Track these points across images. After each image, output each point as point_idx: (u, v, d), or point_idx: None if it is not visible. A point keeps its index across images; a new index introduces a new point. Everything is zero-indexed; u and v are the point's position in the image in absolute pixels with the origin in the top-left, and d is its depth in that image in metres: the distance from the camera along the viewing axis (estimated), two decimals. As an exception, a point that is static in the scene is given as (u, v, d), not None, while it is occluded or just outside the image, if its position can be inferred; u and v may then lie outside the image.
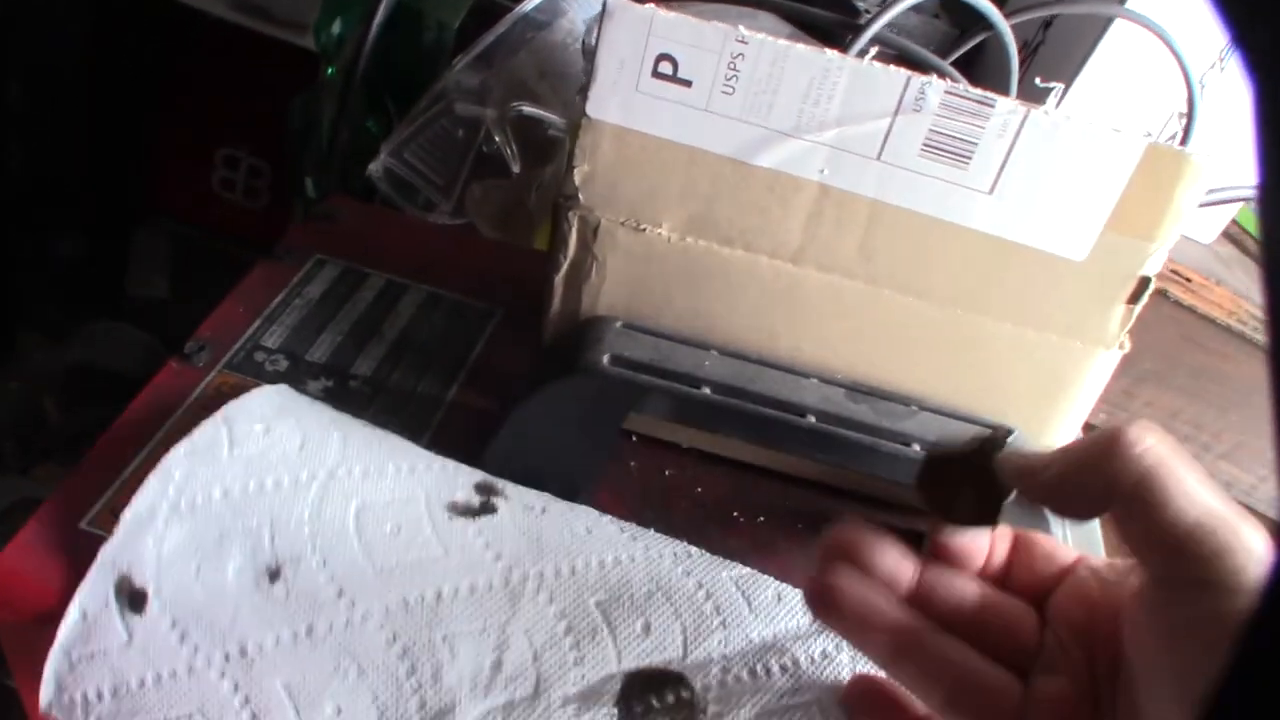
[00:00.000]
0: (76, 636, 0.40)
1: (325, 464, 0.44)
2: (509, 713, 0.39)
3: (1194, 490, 0.31)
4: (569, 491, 0.47)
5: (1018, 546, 0.37)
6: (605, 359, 0.44)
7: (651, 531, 0.46)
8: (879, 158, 0.43)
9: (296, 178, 0.72)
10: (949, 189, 0.44)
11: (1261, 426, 0.80)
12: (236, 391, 0.50)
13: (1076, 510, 0.33)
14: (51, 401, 0.80)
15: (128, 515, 0.41)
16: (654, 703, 0.40)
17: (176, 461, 0.43)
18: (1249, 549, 0.29)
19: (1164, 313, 0.74)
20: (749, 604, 0.44)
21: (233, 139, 1.00)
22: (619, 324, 0.47)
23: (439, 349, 0.55)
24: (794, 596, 0.45)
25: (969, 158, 0.43)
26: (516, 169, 0.68)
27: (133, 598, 0.40)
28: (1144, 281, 0.45)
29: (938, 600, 0.36)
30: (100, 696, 0.40)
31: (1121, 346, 0.47)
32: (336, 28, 0.71)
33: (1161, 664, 0.31)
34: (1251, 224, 0.86)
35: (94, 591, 0.40)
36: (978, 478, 0.36)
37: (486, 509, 0.44)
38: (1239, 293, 0.76)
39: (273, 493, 0.43)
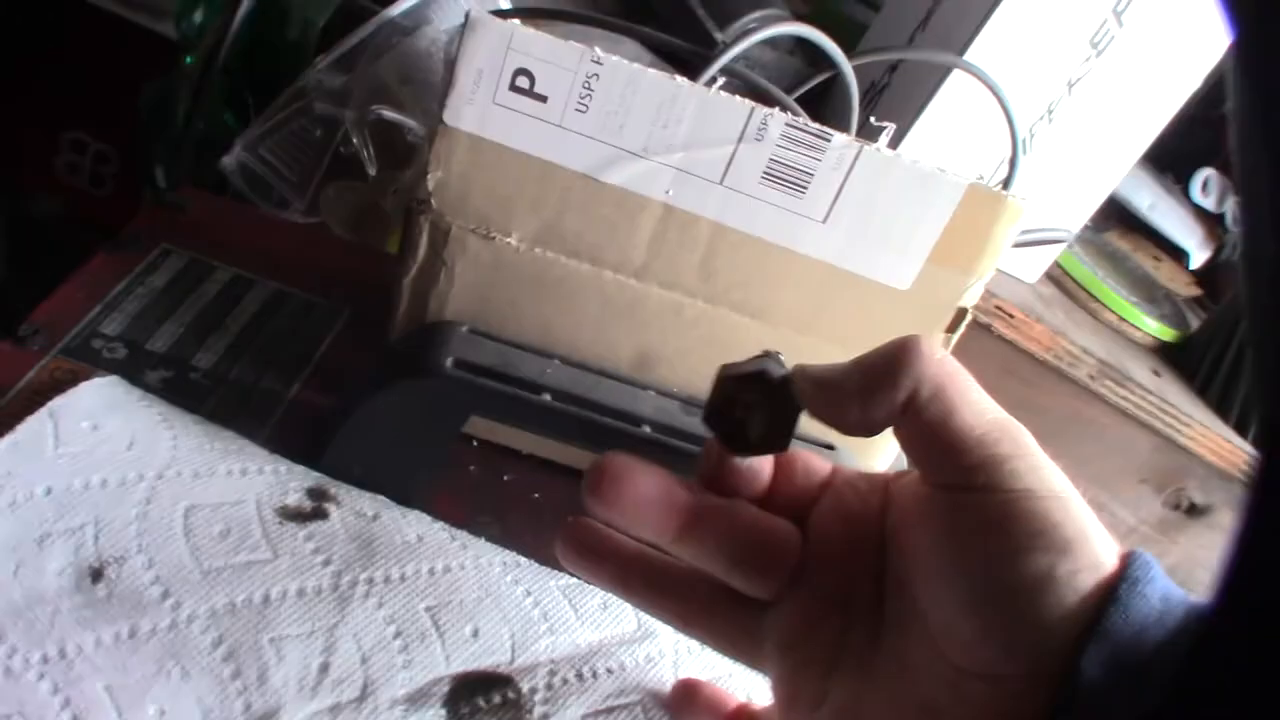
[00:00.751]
0: None
1: (155, 464, 0.44)
2: (336, 714, 0.39)
3: (980, 400, 0.33)
4: (406, 494, 0.47)
5: (779, 464, 0.38)
6: (449, 362, 0.45)
7: (482, 540, 0.47)
8: (721, 182, 0.45)
9: (146, 165, 0.71)
10: (786, 216, 0.46)
11: (1073, 458, 0.86)
12: (71, 378, 0.49)
13: (870, 424, 0.33)
14: None
15: None
16: (481, 703, 0.41)
17: None
18: (1028, 455, 0.32)
19: (987, 346, 0.79)
20: (575, 611, 0.45)
21: (81, 123, 0.97)
22: (464, 329, 0.48)
23: (283, 346, 0.55)
24: (619, 605, 0.46)
25: (805, 187, 0.46)
26: (373, 172, 0.68)
27: None
28: (961, 312, 0.49)
29: (706, 526, 0.36)
30: None
31: (940, 373, 0.50)
32: (198, 15, 0.70)
33: (944, 566, 0.32)
34: (1073, 267, 0.92)
35: None
36: (769, 399, 0.35)
37: (318, 514, 0.44)
38: (1057, 330, 0.81)
39: (98, 491, 0.42)
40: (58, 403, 0.44)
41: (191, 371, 0.52)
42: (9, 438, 0.42)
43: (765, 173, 0.45)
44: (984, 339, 0.79)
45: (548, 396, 0.45)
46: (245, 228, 0.64)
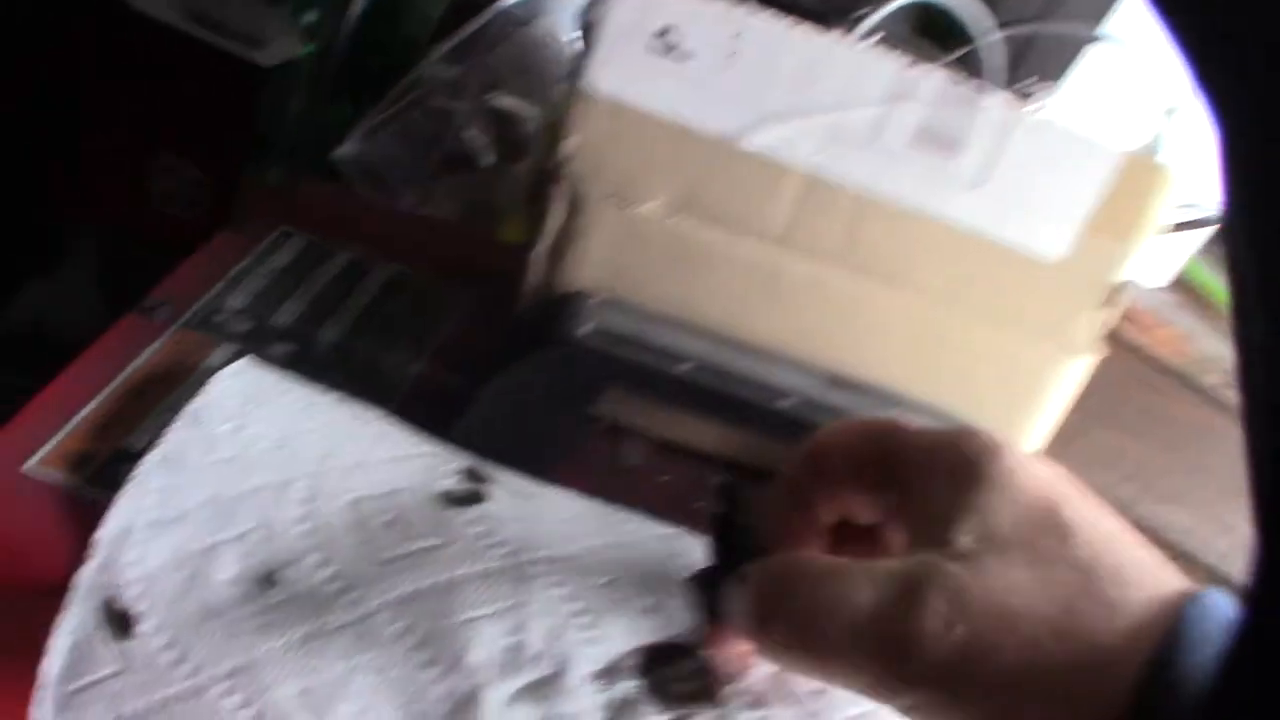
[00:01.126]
0: (66, 671, 0.37)
1: (310, 460, 0.42)
2: (536, 691, 0.38)
3: None
4: (536, 472, 0.46)
5: None
6: (586, 331, 0.44)
7: (634, 515, 0.45)
8: (869, 146, 0.44)
9: (262, 158, 0.71)
10: (935, 181, 0.44)
11: (1201, 470, 0.82)
12: (196, 348, 0.49)
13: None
14: (-11, 365, 0.77)
15: (103, 535, 0.38)
16: (676, 672, 0.39)
17: (149, 472, 0.40)
18: None
19: (1113, 350, 0.76)
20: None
21: (173, 148, 0.98)
22: (599, 298, 0.46)
23: (404, 326, 0.54)
24: None
25: (957, 152, 0.44)
26: (488, 162, 0.67)
27: (121, 621, 0.37)
28: (1120, 287, 0.46)
29: None
30: None
31: (1095, 354, 0.48)
32: (315, 7, 0.70)
33: None
34: (1197, 273, 0.89)
35: (79, 620, 0.37)
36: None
37: (476, 497, 0.43)
38: (1186, 335, 0.77)
39: (259, 495, 0.41)
40: (197, 405, 0.43)
41: (315, 346, 0.51)
42: (157, 451, 0.41)
43: (915, 136, 0.43)
44: (1110, 343, 0.76)
45: (687, 368, 0.44)
46: (360, 213, 0.64)
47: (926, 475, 0.33)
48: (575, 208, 0.46)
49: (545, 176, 0.46)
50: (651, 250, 0.46)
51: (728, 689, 0.39)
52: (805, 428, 0.44)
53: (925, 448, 0.34)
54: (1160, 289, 0.84)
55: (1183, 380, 0.78)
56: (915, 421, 0.35)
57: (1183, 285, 0.87)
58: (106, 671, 0.37)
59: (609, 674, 0.39)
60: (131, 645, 0.37)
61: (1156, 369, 0.77)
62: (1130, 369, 0.77)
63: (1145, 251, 0.46)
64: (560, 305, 0.46)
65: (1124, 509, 0.84)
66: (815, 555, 0.36)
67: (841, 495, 0.37)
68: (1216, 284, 0.86)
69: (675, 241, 0.46)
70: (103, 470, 0.42)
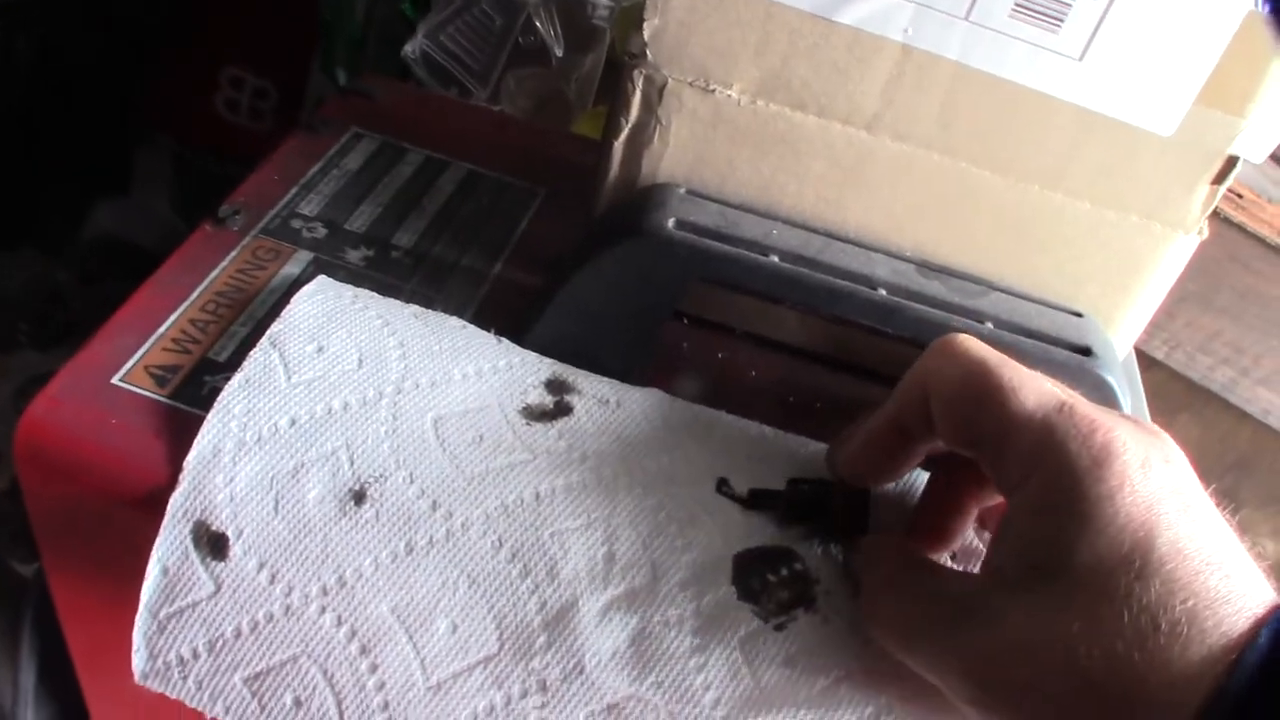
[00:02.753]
0: (160, 595, 0.38)
1: (390, 379, 0.42)
2: (631, 600, 0.38)
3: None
4: (621, 371, 0.45)
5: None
6: (670, 223, 0.42)
7: (724, 415, 0.44)
8: (967, 17, 0.41)
9: (329, 60, 0.70)
10: (1037, 54, 0.41)
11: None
12: (273, 256, 0.48)
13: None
14: (70, 277, 0.78)
15: (191, 459, 0.38)
16: (769, 577, 0.39)
17: (233, 396, 0.40)
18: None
19: (1211, 229, 0.72)
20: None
21: (239, 59, 0.97)
22: (683, 190, 0.45)
23: (481, 225, 0.53)
24: None
25: (1061, 20, 0.41)
26: (558, 54, 0.65)
27: (213, 543, 0.37)
28: (1231, 160, 0.44)
29: None
30: (196, 654, 0.38)
31: (1201, 232, 0.46)
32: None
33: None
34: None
35: (171, 544, 0.38)
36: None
37: (561, 409, 0.42)
38: (1289, 213, 0.74)
39: (342, 414, 0.40)
40: (276, 329, 0.42)
41: (393, 250, 0.50)
42: (239, 375, 0.41)
43: (1016, 4, 0.41)
44: (1208, 220, 0.72)
45: (775, 258, 0.42)
46: (432, 112, 0.62)
47: (1018, 479, 0.33)
48: (654, 96, 0.44)
49: (622, 65, 0.44)
50: (736, 138, 0.44)
51: (824, 592, 0.39)
52: (897, 316, 0.42)
53: (1026, 451, 0.32)
54: (1262, 164, 0.80)
55: (1285, 260, 0.75)
56: (1019, 382, 0.33)
57: (1285, 160, 0.82)
58: (201, 593, 0.38)
59: (700, 581, 0.38)
60: (225, 566, 0.37)
61: (1256, 248, 0.74)
62: (1228, 248, 0.74)
63: (1257, 123, 0.43)
64: (641, 199, 0.44)
65: (1223, 392, 0.82)
66: (907, 550, 0.37)
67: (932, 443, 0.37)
68: (1321, 157, 0.82)
69: (761, 127, 0.44)
70: (189, 381, 0.42)
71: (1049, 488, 0.31)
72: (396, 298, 0.47)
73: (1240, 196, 0.72)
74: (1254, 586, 0.30)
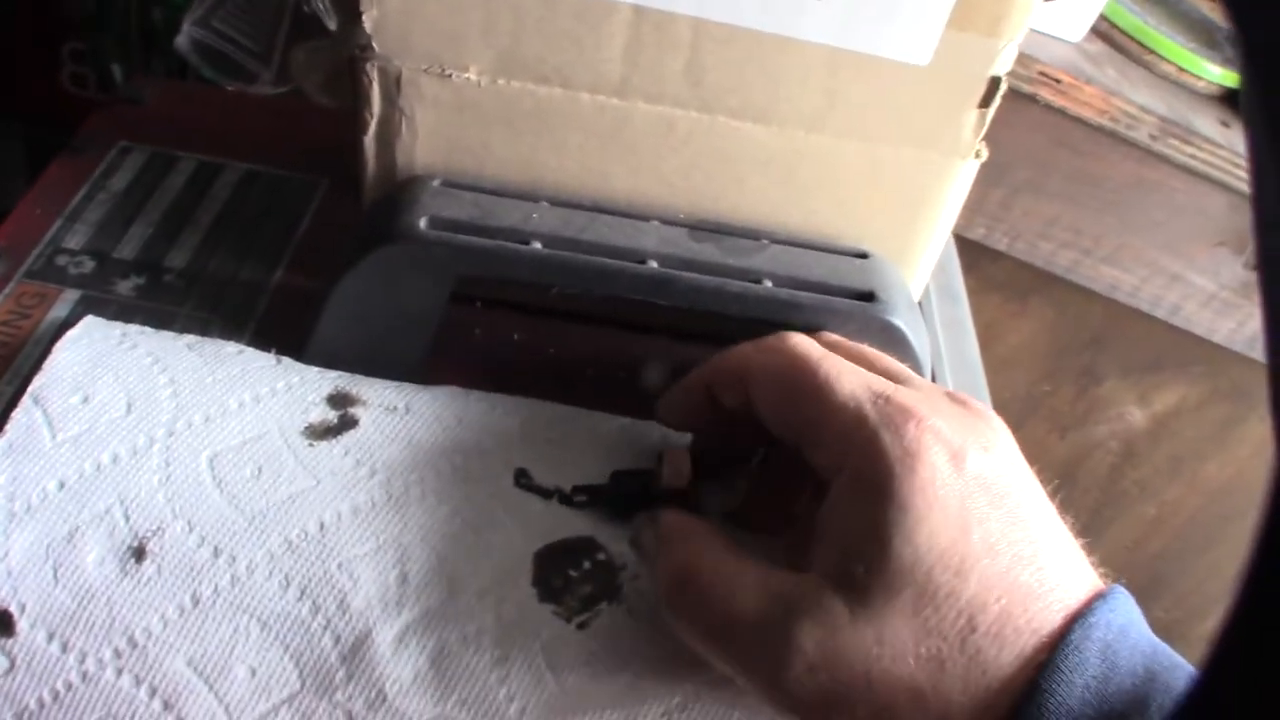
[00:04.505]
0: None
1: (161, 421, 0.40)
2: (428, 621, 0.37)
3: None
4: (410, 371, 0.44)
5: None
6: (422, 223, 0.41)
7: (523, 400, 0.43)
8: (695, -31, 0.39)
9: (100, 64, 0.66)
10: (774, -2, 0.40)
11: (1140, 226, 0.80)
12: (39, 301, 0.46)
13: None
14: None
15: None
16: (571, 573, 0.38)
17: None
18: None
19: (1034, 118, 0.72)
20: (632, 451, 0.42)
21: (77, 33, 0.92)
22: (436, 183, 0.43)
23: (260, 230, 0.51)
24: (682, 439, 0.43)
25: (793, -39, 0.39)
26: (333, 25, 0.62)
27: (0, 621, 0.36)
28: (994, 82, 0.43)
29: None
30: None
31: (978, 155, 0.45)
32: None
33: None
34: (1121, 18, 0.84)
35: None
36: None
37: (346, 423, 0.41)
38: (1110, 90, 0.73)
39: (112, 469, 0.38)
40: (38, 384, 0.40)
41: (165, 274, 0.48)
42: (2, 440, 0.38)
43: (744, -50, 0.39)
44: (1029, 110, 0.72)
45: (538, 244, 0.41)
46: (206, 110, 0.59)
47: (836, 469, 0.32)
48: (392, 88, 0.42)
49: (353, 59, 0.42)
50: (485, 120, 0.43)
51: (630, 578, 0.38)
52: (669, 288, 0.41)
53: (840, 438, 0.32)
54: (1077, 42, 0.79)
55: (1112, 137, 0.74)
56: (837, 375, 0.33)
57: (1103, 34, 0.82)
58: None
59: (501, 586, 0.38)
60: (15, 642, 0.36)
61: (1081, 130, 0.73)
62: (1054, 134, 0.74)
63: (1017, 42, 0.42)
64: (394, 198, 0.42)
65: (1068, 274, 0.83)
66: (715, 536, 0.35)
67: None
68: (1142, 26, 0.81)
69: (507, 107, 0.42)
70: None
71: (862, 478, 0.31)
72: (171, 325, 0.45)
73: (1059, 81, 0.72)
74: (1070, 577, 0.30)
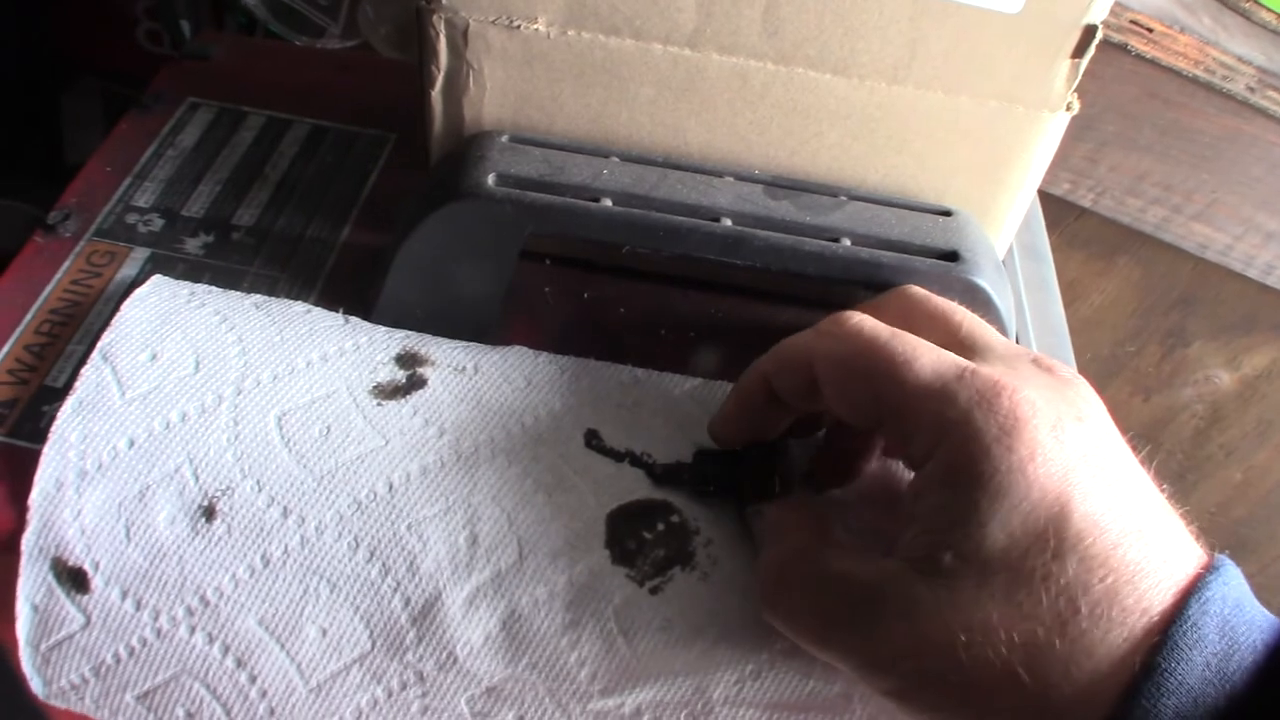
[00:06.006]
0: (36, 631, 0.37)
1: (229, 380, 0.39)
2: (499, 584, 0.37)
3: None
4: (479, 330, 0.43)
5: None
6: (490, 179, 0.40)
7: (592, 362, 0.42)
8: (774, -87, 0.38)
9: (170, 20, 0.66)
10: (857, -58, 0.38)
11: (1235, 182, 0.76)
12: (109, 260, 0.46)
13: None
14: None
15: (35, 496, 0.37)
16: (645, 535, 0.37)
17: (68, 423, 0.38)
18: None
19: (1125, 68, 0.69)
20: (708, 414, 0.41)
21: None
22: (504, 138, 0.42)
23: (328, 186, 0.51)
24: None
25: (877, -98, 0.37)
26: (405, -22, 0.61)
27: (74, 578, 0.37)
28: (1089, 31, 0.40)
29: None
30: (85, 680, 0.38)
31: (1069, 108, 0.43)
32: None
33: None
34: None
35: (33, 583, 0.37)
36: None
37: (414, 383, 0.40)
38: (1206, 40, 0.70)
39: (181, 427, 0.38)
40: (107, 340, 0.40)
41: (234, 231, 0.48)
42: (71, 398, 0.39)
43: (826, -109, 0.37)
44: (1120, 61, 0.69)
45: (608, 202, 0.40)
46: (274, 66, 0.59)
47: (923, 453, 0.31)
48: (459, 40, 0.41)
49: (419, 11, 0.40)
50: (554, 73, 0.41)
51: (703, 543, 0.37)
52: (744, 247, 0.40)
53: (929, 423, 0.30)
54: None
55: (1206, 89, 0.71)
56: (913, 355, 0.31)
57: (1199, -19, 0.78)
58: (74, 626, 0.37)
59: (573, 549, 0.37)
60: (90, 599, 0.37)
61: (1174, 81, 0.70)
62: (1145, 85, 0.71)
63: (1112, -20, 0.40)
64: (462, 153, 0.41)
65: (1156, 232, 0.80)
66: (813, 530, 0.35)
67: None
68: (1240, -29, 0.77)
69: (578, 59, 0.41)
70: (27, 415, 0.41)
71: (956, 462, 0.29)
72: (239, 283, 0.45)
73: (1151, 31, 0.68)
74: (1176, 551, 0.29)
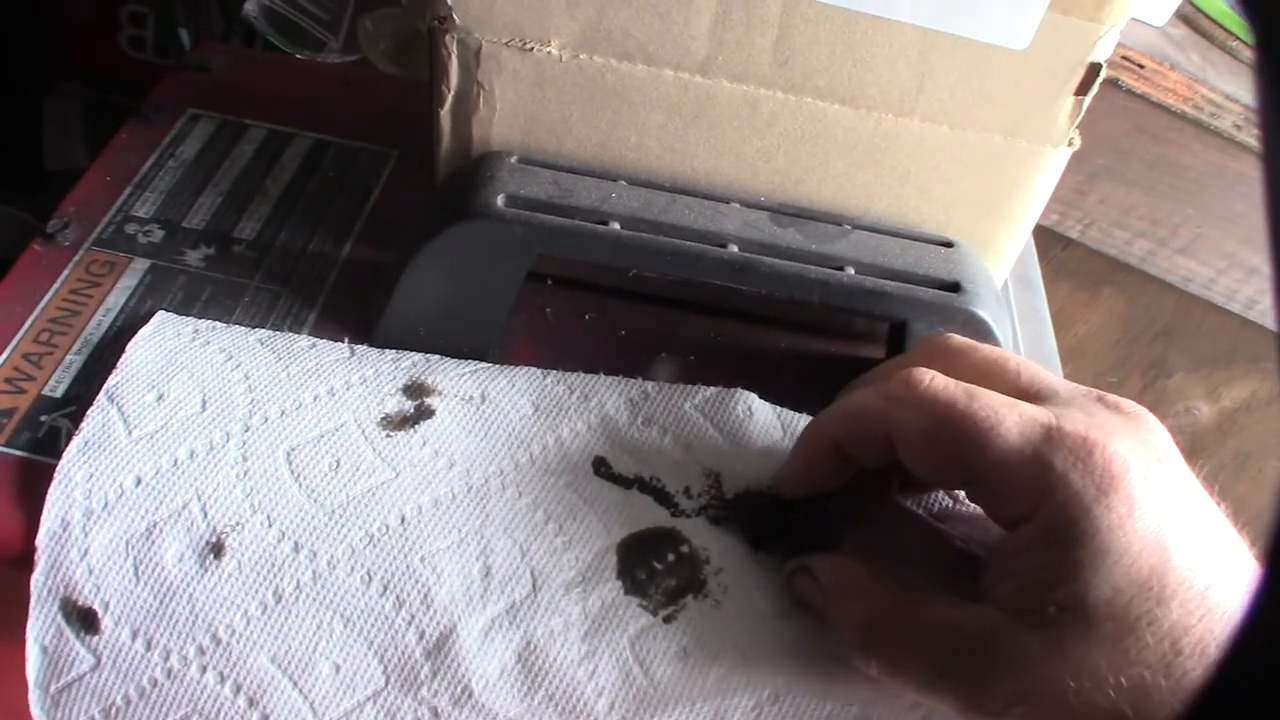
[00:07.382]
0: (46, 672, 0.37)
1: (237, 417, 0.39)
2: (514, 616, 0.36)
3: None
4: (481, 349, 0.43)
5: None
6: (499, 200, 0.40)
7: (601, 379, 0.42)
8: (789, -56, 0.38)
9: (169, 29, 0.66)
10: (870, -24, 0.39)
11: (1219, 217, 0.77)
12: (108, 270, 0.46)
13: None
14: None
15: (42, 536, 0.36)
16: (656, 565, 0.37)
17: (73, 462, 0.38)
18: None
19: (1115, 103, 0.70)
20: (720, 433, 0.41)
21: None
22: (513, 159, 0.42)
23: (330, 201, 0.50)
24: (765, 410, 0.42)
25: (890, -63, 0.38)
26: (407, -7, 0.61)
27: (83, 618, 0.36)
28: (1094, 69, 0.41)
29: None
30: None
31: (1071, 143, 0.43)
32: None
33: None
34: (1205, 2, 0.81)
35: (42, 624, 0.36)
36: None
37: (423, 413, 0.40)
38: (1194, 77, 0.71)
39: (189, 464, 0.38)
40: (113, 382, 0.40)
41: (235, 245, 0.48)
42: (77, 438, 0.38)
43: (840, -75, 0.38)
44: (1109, 95, 0.70)
45: (616, 225, 0.40)
46: (276, 78, 0.59)
47: (1021, 515, 0.31)
48: (471, 61, 0.41)
49: (431, 30, 0.41)
50: (565, 96, 0.42)
51: (714, 571, 0.37)
52: (750, 273, 0.40)
53: (1024, 487, 0.31)
54: (1160, 26, 0.76)
55: (1195, 125, 0.72)
56: (997, 418, 0.31)
57: (1187, 19, 0.79)
58: (84, 667, 0.37)
59: (586, 580, 0.37)
60: (100, 639, 0.36)
61: (1163, 117, 0.71)
62: (1135, 120, 0.72)
63: (1119, 27, 0.40)
64: (470, 173, 0.41)
65: (1142, 265, 0.81)
66: (883, 579, 0.34)
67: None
68: (1227, 11, 0.79)
69: (589, 83, 0.41)
70: (25, 425, 0.40)
71: (1057, 523, 0.30)
72: (240, 296, 0.45)
73: (1142, 67, 0.69)
74: (1247, 580, 0.30)
